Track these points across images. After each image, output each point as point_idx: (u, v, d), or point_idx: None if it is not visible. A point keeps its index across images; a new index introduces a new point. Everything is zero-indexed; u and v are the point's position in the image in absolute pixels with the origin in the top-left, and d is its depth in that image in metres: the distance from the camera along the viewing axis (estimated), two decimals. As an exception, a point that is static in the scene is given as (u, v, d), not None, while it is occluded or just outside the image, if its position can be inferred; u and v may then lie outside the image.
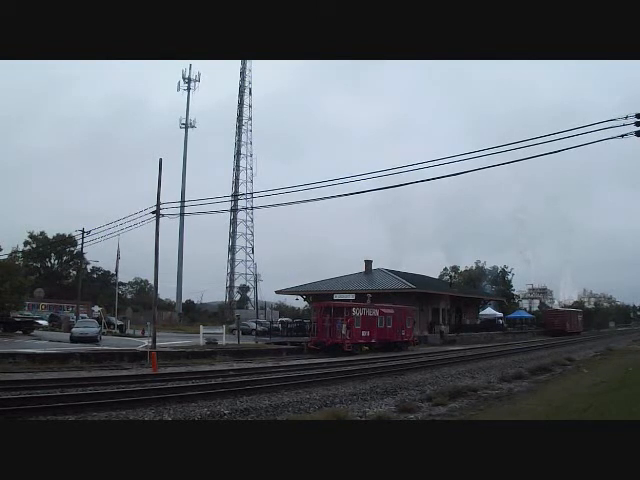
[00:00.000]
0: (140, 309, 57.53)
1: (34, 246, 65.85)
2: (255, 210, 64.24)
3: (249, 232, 75.93)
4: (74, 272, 67.32)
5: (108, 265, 61.89)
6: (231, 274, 76.08)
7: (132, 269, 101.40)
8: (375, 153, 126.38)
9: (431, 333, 44.44)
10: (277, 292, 54.52)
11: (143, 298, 72.35)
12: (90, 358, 21.57)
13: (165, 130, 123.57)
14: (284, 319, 51.17)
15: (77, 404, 11.14)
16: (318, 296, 42.56)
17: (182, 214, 29.67)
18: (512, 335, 56.15)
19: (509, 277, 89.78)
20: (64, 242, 61.16)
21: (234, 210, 62.88)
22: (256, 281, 70.03)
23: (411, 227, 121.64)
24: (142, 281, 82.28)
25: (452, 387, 14.96)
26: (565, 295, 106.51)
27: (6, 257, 44.64)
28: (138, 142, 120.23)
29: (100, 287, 68.75)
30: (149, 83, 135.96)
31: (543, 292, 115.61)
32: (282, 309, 73.00)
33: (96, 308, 47.23)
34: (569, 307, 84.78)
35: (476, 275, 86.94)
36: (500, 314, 67.17)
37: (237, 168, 76.27)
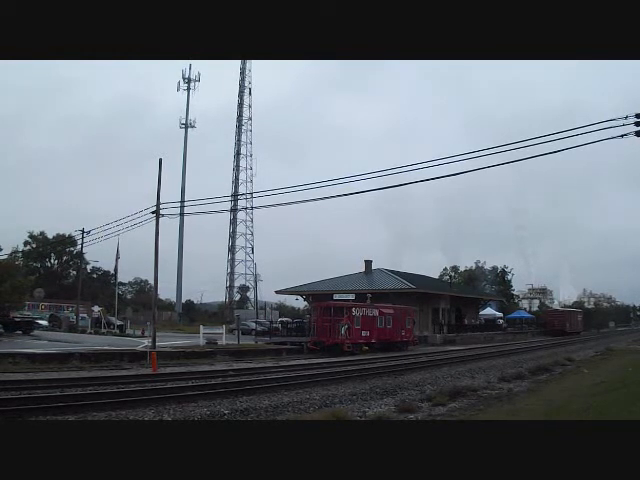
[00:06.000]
0: (140, 309, 57.46)
1: (34, 246, 65.81)
2: (255, 210, 64.40)
3: (249, 232, 76.04)
4: (74, 272, 67.30)
5: (108, 265, 61.90)
6: (231, 274, 76.15)
7: (132, 269, 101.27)
8: (375, 154, 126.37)
9: (435, 333, 44.58)
10: (277, 292, 54.61)
11: (143, 298, 72.25)
12: (90, 358, 21.56)
13: (166, 131, 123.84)
14: (284, 319, 51.16)
15: (77, 404, 11.13)
16: (318, 296, 42.53)
17: (182, 214, 29.66)
18: (512, 335, 56.11)
19: (509, 277, 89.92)
20: (64, 242, 61.11)
21: (234, 210, 62.95)
22: (256, 281, 70.11)
23: (411, 227, 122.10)
24: (142, 281, 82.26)
25: (452, 387, 14.96)
26: (565, 295, 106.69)
27: (6, 257, 44.66)
28: (139, 143, 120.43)
29: (100, 287, 68.70)
30: (150, 84, 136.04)
31: (543, 292, 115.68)
32: (282, 309, 72.97)
33: (96, 308, 47.12)
34: (569, 307, 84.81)
35: (476, 275, 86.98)
36: (500, 314, 67.19)
37: (237, 168, 76.35)
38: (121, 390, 13.59)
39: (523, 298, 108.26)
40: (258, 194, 26.49)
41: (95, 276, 71.64)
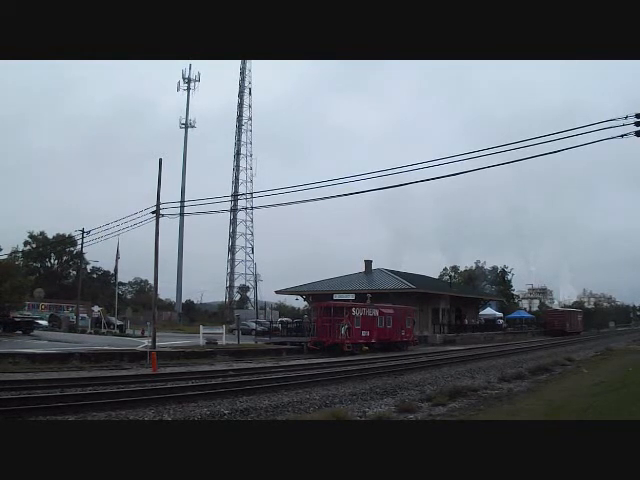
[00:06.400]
0: (140, 309, 57.44)
1: (34, 246, 65.80)
2: (255, 210, 64.38)
3: (249, 232, 76.06)
4: (74, 272, 67.29)
5: (108, 265, 61.92)
6: (231, 274, 76.16)
7: (132, 269, 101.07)
8: (375, 154, 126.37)
9: (435, 333, 44.69)
10: (277, 292, 54.62)
11: (143, 298, 72.23)
12: (90, 358, 21.56)
13: (166, 131, 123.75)
14: (284, 319, 51.16)
15: (77, 404, 11.13)
16: (318, 296, 42.53)
17: (182, 214, 29.67)
18: (512, 335, 56.14)
19: (509, 277, 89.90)
20: (64, 242, 61.12)
21: (234, 210, 62.95)
22: (256, 281, 70.14)
23: (411, 227, 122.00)
24: (142, 281, 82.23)
25: (452, 387, 14.95)
26: (565, 295, 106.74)
27: (6, 257, 44.66)
28: (139, 143, 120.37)
29: (100, 287, 68.68)
30: (150, 84, 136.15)
31: (543, 292, 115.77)
32: (282, 309, 72.96)
33: (96, 308, 47.12)
34: (569, 307, 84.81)
35: (476, 275, 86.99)
36: (500, 314, 67.18)
37: (237, 168, 76.37)
38: (121, 390, 13.59)
39: (523, 298, 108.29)
40: (258, 194, 26.54)
41: (95, 276, 71.63)
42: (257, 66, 78.59)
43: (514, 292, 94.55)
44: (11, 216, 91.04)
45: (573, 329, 63.97)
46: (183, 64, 77.78)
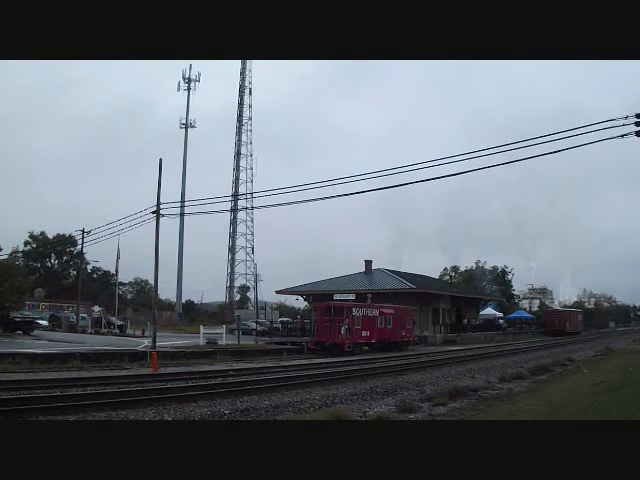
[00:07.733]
0: (140, 309, 57.51)
1: (34, 246, 65.87)
2: (255, 210, 64.31)
3: (249, 232, 75.98)
4: (74, 272, 67.31)
5: (108, 265, 62.00)
6: (231, 274, 76.08)
7: (132, 269, 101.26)
8: (376, 154, 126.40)
9: (435, 333, 44.71)
10: (277, 292, 54.63)
11: (143, 298, 72.31)
12: (90, 358, 21.56)
13: (167, 131, 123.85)
14: (284, 319, 51.15)
15: (77, 404, 11.14)
16: (318, 296, 42.54)
17: (182, 214, 29.69)
18: (512, 335, 56.13)
19: (509, 277, 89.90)
20: (64, 242, 61.16)
21: (234, 210, 62.90)
22: (256, 281, 70.08)
23: (411, 227, 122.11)
24: (142, 281, 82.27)
25: (452, 387, 14.95)
26: (565, 295, 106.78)
27: (6, 257, 44.70)
28: (141, 143, 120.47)
29: (100, 287, 68.68)
30: (152, 85, 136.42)
31: (543, 292, 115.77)
32: (282, 309, 72.94)
33: (96, 308, 47.21)
34: (569, 307, 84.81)
35: (476, 275, 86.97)
36: (500, 314, 67.16)
37: (237, 168, 76.29)
38: (121, 390, 13.60)
39: (523, 298, 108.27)
40: (258, 194, 26.53)
41: (95, 276, 71.64)
42: (257, 66, 78.58)
43: (514, 292, 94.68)
44: (11, 216, 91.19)
45: (573, 329, 63.96)
46: (183, 64, 77.85)
